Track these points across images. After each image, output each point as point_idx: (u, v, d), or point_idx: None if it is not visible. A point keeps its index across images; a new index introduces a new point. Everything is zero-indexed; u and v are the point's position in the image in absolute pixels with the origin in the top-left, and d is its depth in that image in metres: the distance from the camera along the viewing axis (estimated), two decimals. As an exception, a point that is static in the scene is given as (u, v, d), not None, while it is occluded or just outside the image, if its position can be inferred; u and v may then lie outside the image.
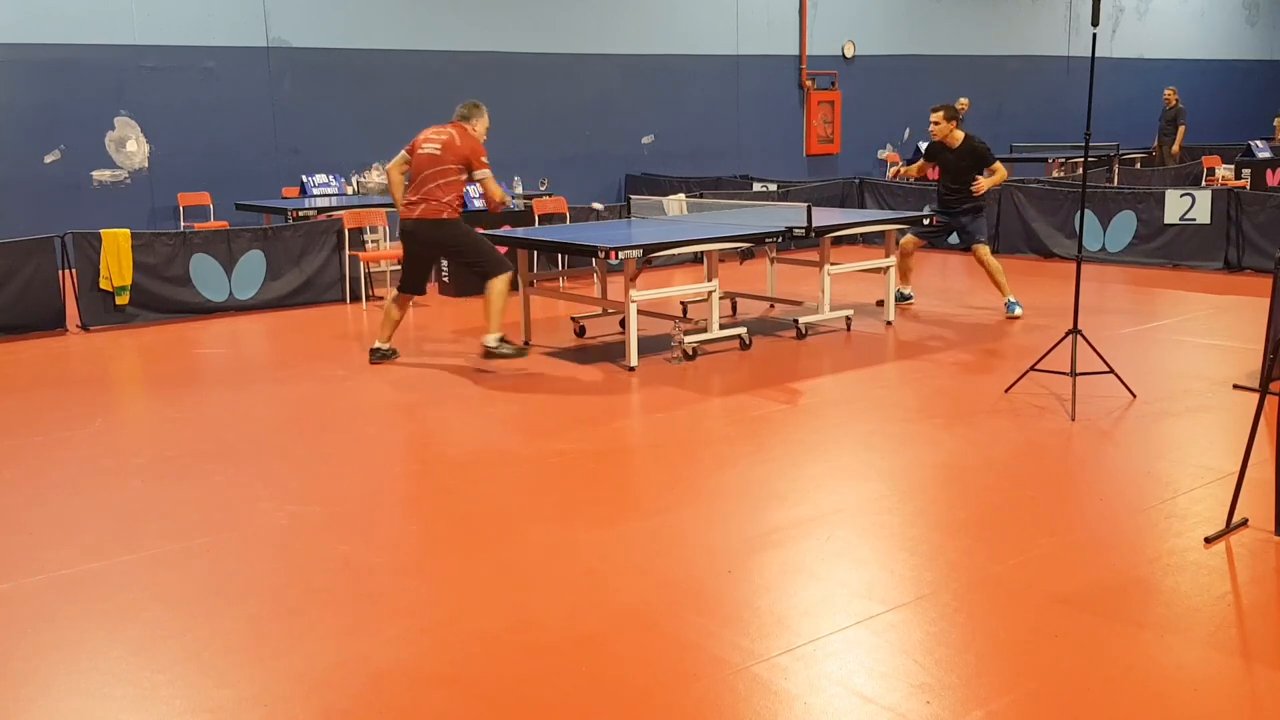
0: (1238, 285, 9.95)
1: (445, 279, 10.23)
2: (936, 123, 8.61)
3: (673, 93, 16.56)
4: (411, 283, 7.44)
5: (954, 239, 9.36)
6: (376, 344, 7.54)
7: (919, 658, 3.36)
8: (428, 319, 9.00)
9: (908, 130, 19.17)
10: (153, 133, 12.51)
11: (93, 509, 4.82)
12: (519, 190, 12.17)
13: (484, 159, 7.14)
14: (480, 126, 7.26)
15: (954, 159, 8.68)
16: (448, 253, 7.32)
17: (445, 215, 7.10)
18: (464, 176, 7.18)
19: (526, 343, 7.26)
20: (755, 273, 10.62)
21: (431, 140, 7.12)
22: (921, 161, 9.21)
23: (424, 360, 7.59)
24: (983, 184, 8.53)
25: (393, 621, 3.68)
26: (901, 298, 9.22)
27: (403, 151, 7.27)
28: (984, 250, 8.65)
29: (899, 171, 9.78)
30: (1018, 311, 8.66)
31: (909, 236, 9.06)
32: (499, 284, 7.14)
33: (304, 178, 12.50)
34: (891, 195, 13.38)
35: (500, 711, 3.12)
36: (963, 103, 16.66)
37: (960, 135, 8.65)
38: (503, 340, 7.17)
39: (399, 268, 10.69)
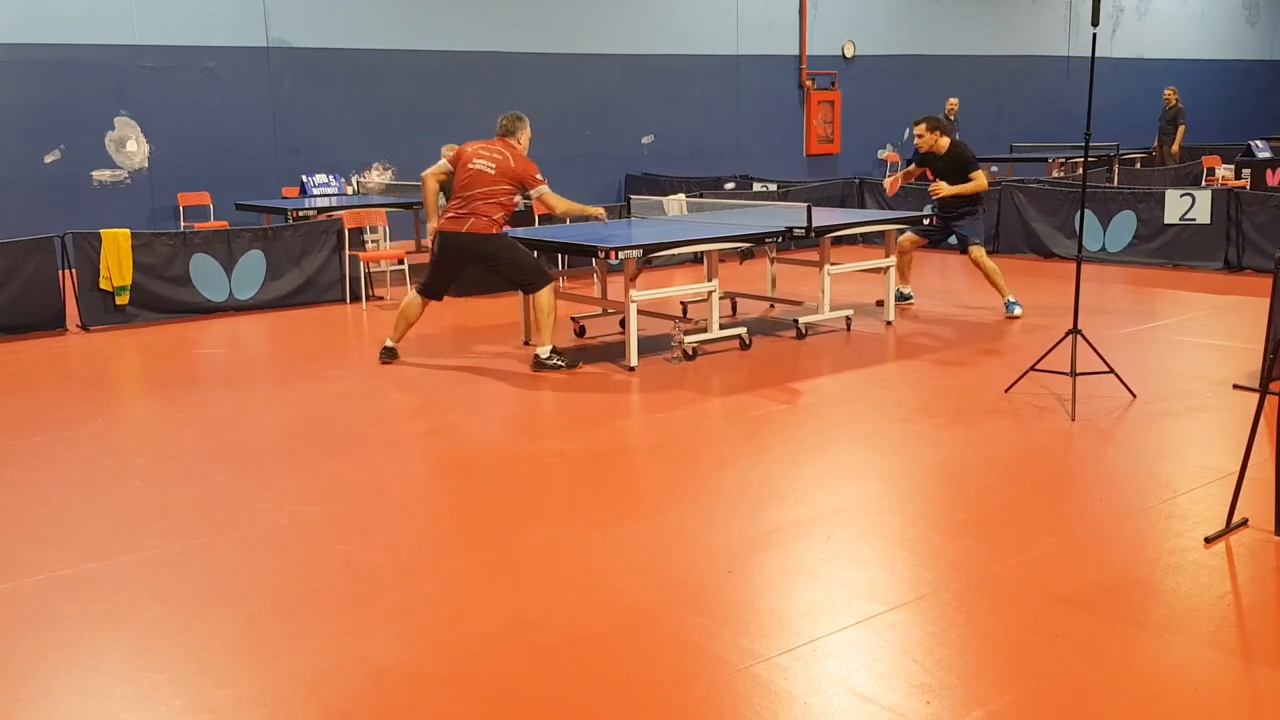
0: (1238, 285, 9.95)
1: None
2: (920, 135, 8.72)
3: (673, 93, 16.57)
4: (436, 288, 7.45)
5: (952, 240, 9.37)
6: (388, 342, 7.56)
7: (919, 658, 3.36)
8: (428, 319, 8.99)
9: (908, 130, 19.14)
10: (153, 133, 12.51)
11: (93, 509, 4.82)
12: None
13: (538, 175, 7.16)
14: (525, 139, 7.29)
15: (942, 166, 8.77)
16: (489, 265, 7.29)
17: (494, 231, 7.13)
18: (515, 196, 7.21)
19: (575, 361, 7.23)
20: (755, 273, 10.62)
21: (483, 157, 7.09)
22: (913, 165, 9.26)
23: (425, 360, 7.59)
24: (941, 188, 8.56)
25: (393, 621, 3.68)
26: (901, 297, 9.22)
27: (443, 161, 7.30)
28: (980, 252, 8.67)
29: (895, 182, 9.61)
30: (1017, 311, 8.66)
31: (907, 235, 9.07)
32: (545, 296, 7.14)
33: (304, 178, 12.51)
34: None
35: (500, 711, 3.12)
36: (952, 103, 16.67)
37: (946, 142, 8.72)
38: (555, 352, 7.17)
39: (400, 267, 10.77)
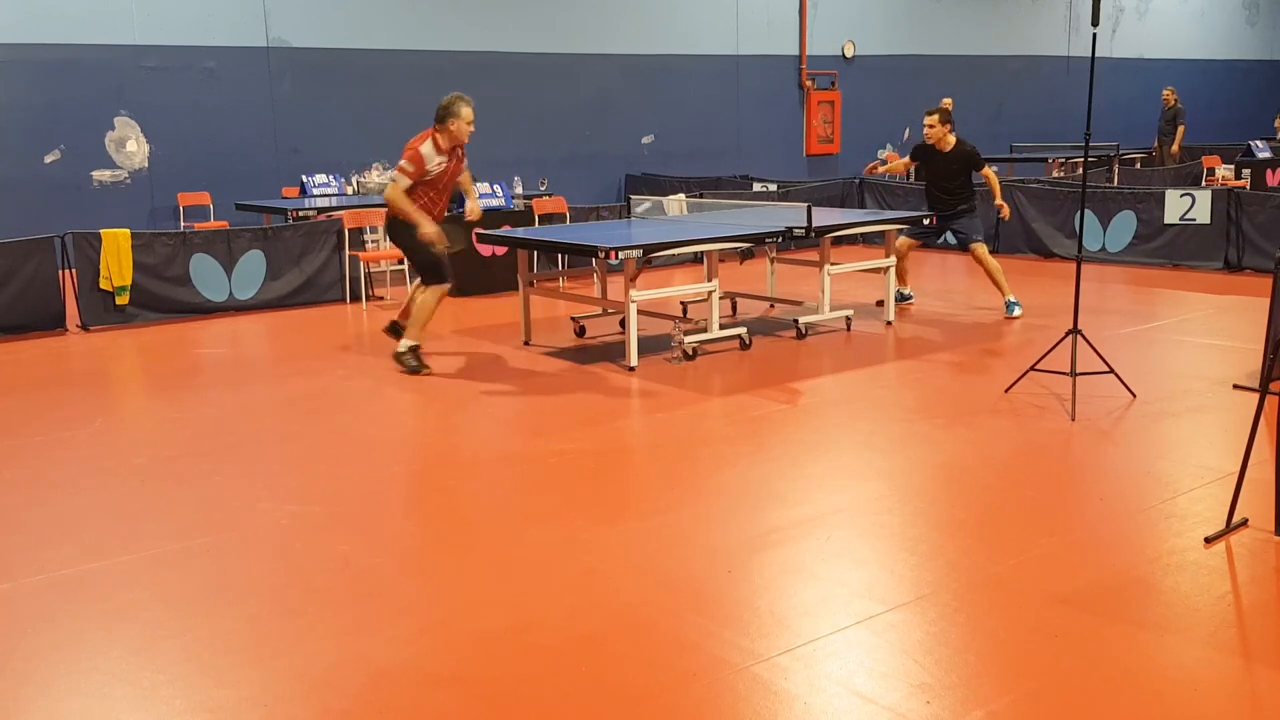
0: (1238, 285, 9.95)
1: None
2: (931, 126, 8.75)
3: (673, 93, 16.56)
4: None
5: (950, 239, 9.41)
6: (395, 319, 7.75)
7: (919, 658, 3.36)
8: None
9: (908, 130, 19.17)
10: (153, 133, 12.51)
11: (93, 509, 4.82)
12: (518, 190, 12.14)
13: (402, 162, 6.97)
14: (458, 124, 6.96)
15: (945, 164, 8.79)
16: (401, 248, 7.45)
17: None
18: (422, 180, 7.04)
19: (428, 369, 7.23)
20: (755, 273, 10.62)
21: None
22: (907, 159, 9.30)
23: (424, 359, 7.58)
24: (1006, 209, 9.00)
25: (393, 621, 3.68)
26: (901, 298, 9.22)
27: None
28: (982, 249, 8.69)
29: (876, 168, 9.79)
30: (1017, 312, 8.66)
31: (902, 239, 9.08)
32: (430, 294, 7.22)
33: (304, 178, 12.51)
34: (892, 195, 13.37)
35: (500, 711, 3.12)
36: (946, 103, 16.68)
37: (953, 139, 8.76)
38: (412, 351, 7.20)
39: (400, 267, 10.77)
